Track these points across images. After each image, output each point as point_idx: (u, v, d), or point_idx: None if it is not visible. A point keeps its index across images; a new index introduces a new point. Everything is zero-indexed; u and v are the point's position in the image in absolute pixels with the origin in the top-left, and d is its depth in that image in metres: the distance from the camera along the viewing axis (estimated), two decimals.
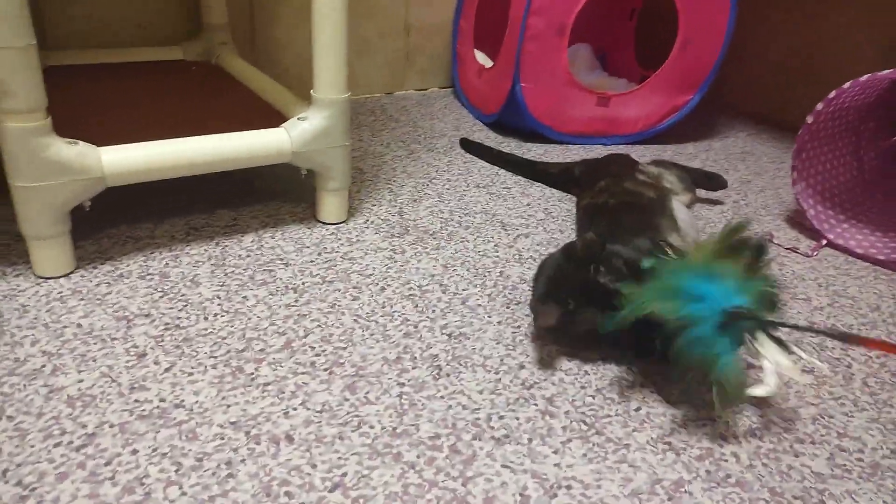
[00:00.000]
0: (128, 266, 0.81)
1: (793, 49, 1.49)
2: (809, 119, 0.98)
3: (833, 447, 0.63)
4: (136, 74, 1.11)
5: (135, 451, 0.56)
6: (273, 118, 0.92)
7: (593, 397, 0.67)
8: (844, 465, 0.62)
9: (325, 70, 0.85)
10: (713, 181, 1.12)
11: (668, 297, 0.62)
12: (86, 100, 0.97)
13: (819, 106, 0.97)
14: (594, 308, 0.68)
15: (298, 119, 0.87)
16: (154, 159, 0.78)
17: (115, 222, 0.90)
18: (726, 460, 0.61)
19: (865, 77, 0.94)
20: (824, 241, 1.01)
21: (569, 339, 0.74)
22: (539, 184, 1.14)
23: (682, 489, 0.57)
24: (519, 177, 1.16)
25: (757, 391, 0.61)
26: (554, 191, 1.12)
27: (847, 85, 0.95)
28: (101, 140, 0.77)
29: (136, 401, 0.61)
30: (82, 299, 0.74)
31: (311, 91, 0.86)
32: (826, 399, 0.70)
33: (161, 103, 0.98)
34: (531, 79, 1.24)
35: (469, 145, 1.26)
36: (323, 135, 0.87)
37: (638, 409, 0.66)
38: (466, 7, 1.47)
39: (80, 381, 0.63)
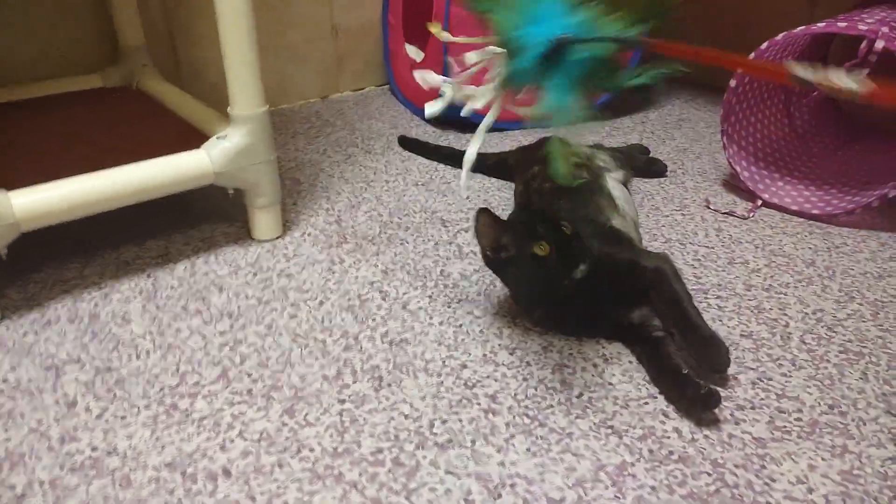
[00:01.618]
0: (56, 311, 0.78)
1: (722, 10, 1.50)
2: (732, 82, 0.99)
3: (773, 410, 0.64)
4: (52, 108, 1.07)
5: None
6: (195, 140, 0.89)
7: (535, 389, 0.67)
8: (784, 426, 0.63)
9: (240, 85, 0.83)
10: (656, 166, 1.13)
11: (508, 14, 0.58)
12: None
13: (739, 70, 0.97)
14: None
15: (217, 138, 0.84)
16: (69, 198, 0.75)
17: (42, 264, 0.87)
18: (668, 437, 0.61)
19: (781, 36, 0.94)
20: (759, 202, 1.02)
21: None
22: (479, 175, 1.13)
23: (626, 472, 0.58)
24: (459, 170, 1.15)
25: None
26: (493, 181, 1.11)
27: (764, 45, 0.95)
28: (11, 183, 0.74)
29: (67, 453, 0.59)
30: (9, 352, 0.72)
31: (228, 109, 0.84)
32: (764, 362, 0.71)
33: (77, 136, 0.94)
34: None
35: (407, 143, 1.24)
36: (245, 152, 0.85)
37: (580, 396, 0.66)
38: (392, 3, 1.45)
39: (8, 439, 0.61)
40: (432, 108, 0.68)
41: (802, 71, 0.46)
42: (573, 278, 0.67)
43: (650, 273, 0.72)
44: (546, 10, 0.57)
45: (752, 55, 0.96)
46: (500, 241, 0.71)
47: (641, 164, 1.13)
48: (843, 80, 0.43)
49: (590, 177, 0.90)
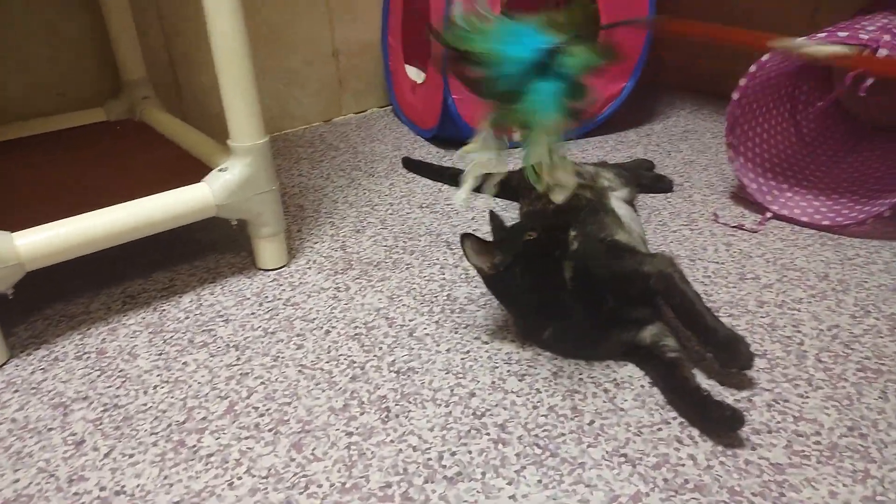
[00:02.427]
0: (63, 348, 0.78)
1: (722, 19, 1.49)
2: (735, 95, 0.98)
3: (790, 433, 0.63)
4: (55, 144, 1.08)
5: None
6: (197, 171, 0.89)
7: (546, 416, 0.65)
8: (802, 451, 0.61)
9: (238, 117, 0.83)
10: (662, 183, 1.12)
11: (486, 38, 0.61)
12: None
13: (742, 81, 0.96)
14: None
15: (219, 171, 0.85)
16: (72, 237, 0.75)
17: (49, 300, 0.87)
18: (683, 465, 0.60)
19: None
20: (769, 214, 1.00)
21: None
22: (485, 196, 1.13)
23: (640, 502, 0.56)
24: None
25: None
26: (498, 201, 1.11)
27: (765, 57, 0.94)
28: (14, 224, 0.74)
29: (76, 493, 0.59)
30: (17, 391, 0.72)
31: (228, 140, 0.84)
32: (780, 382, 0.69)
33: (80, 172, 0.95)
34: (461, 90, 1.23)
35: (411, 164, 1.24)
36: (246, 183, 0.85)
37: (591, 423, 0.64)
38: (392, 24, 1.45)
39: (16, 480, 0.60)
40: (459, 195, 0.71)
41: (780, 42, 0.51)
42: (565, 251, 0.70)
43: (655, 280, 0.70)
44: (522, 33, 0.60)
45: (753, 67, 0.95)
46: (493, 258, 0.72)
47: (647, 180, 1.12)
48: (824, 48, 0.46)
49: (594, 196, 0.89)
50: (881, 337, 0.75)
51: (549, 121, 0.60)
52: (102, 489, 0.59)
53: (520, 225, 0.80)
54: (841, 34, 0.90)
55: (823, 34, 0.92)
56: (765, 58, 0.94)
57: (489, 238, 0.81)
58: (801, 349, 0.74)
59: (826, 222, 0.97)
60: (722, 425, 0.62)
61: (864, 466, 0.59)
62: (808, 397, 0.67)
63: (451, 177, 1.18)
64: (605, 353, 0.73)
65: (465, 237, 0.72)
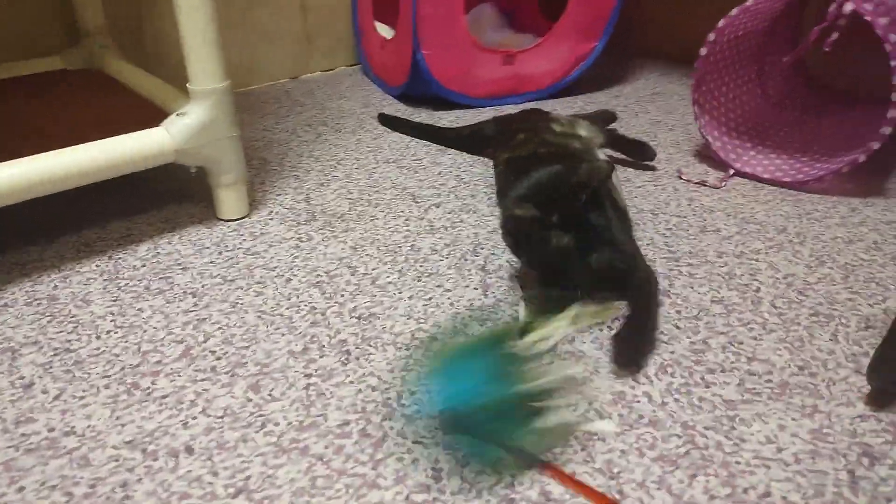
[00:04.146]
0: (13, 294, 0.76)
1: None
2: (703, 51, 0.98)
3: (743, 373, 0.64)
4: (9, 91, 1.03)
5: (21, 489, 0.52)
6: (157, 119, 0.87)
7: None
8: (754, 388, 0.62)
9: (198, 59, 0.80)
10: (644, 152, 1.07)
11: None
12: None
13: (711, 36, 0.97)
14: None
15: (178, 115, 0.82)
16: (25, 177, 0.73)
17: (0, 248, 0.84)
18: (638, 401, 0.61)
19: (752, 1, 0.94)
20: (731, 171, 1.02)
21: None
22: (452, 151, 1.12)
23: (595, 437, 0.57)
24: (430, 147, 1.13)
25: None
26: (466, 156, 1.10)
27: (735, 11, 0.94)
28: None
29: (23, 434, 0.57)
30: None
31: (187, 84, 0.82)
32: (735, 326, 0.70)
33: (36, 119, 0.91)
34: (432, 45, 1.21)
35: (387, 120, 1.22)
36: (206, 128, 0.82)
37: (550, 363, 0.65)
38: None
39: None
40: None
41: None
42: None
43: (645, 274, 0.73)
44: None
45: (723, 21, 0.95)
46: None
47: (629, 145, 1.07)
48: None
49: (581, 146, 0.89)
50: (834, 284, 0.77)
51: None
52: (51, 430, 0.58)
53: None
54: None
55: None
56: (735, 11, 0.94)
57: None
58: (757, 295, 0.75)
59: (787, 179, 0.98)
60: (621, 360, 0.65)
61: (812, 402, 0.61)
62: (761, 339, 0.68)
63: (427, 132, 1.17)
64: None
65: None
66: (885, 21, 0.85)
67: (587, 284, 0.71)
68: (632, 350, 0.66)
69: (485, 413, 0.53)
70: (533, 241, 0.70)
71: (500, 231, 0.76)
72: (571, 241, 0.69)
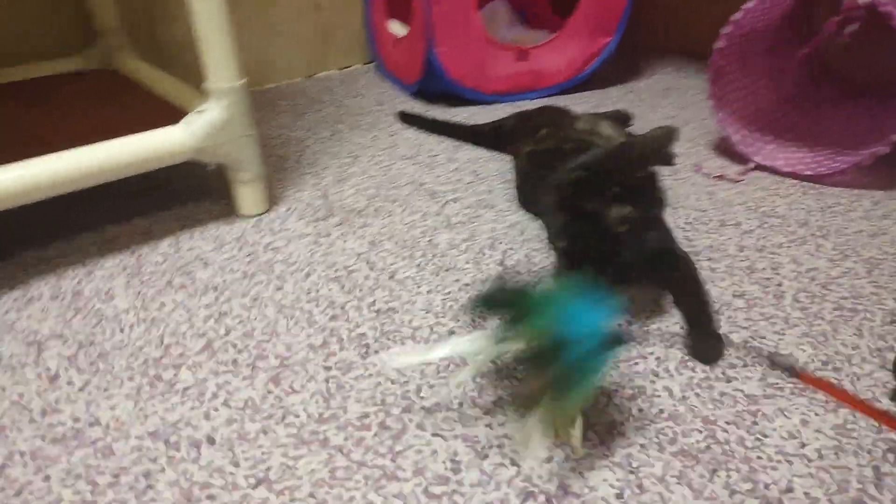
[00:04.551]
0: (38, 289, 0.77)
1: None
2: (719, 44, 0.97)
3: (765, 367, 0.63)
4: (27, 92, 1.05)
5: (47, 478, 0.53)
6: (174, 117, 0.87)
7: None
8: (776, 383, 0.62)
9: (215, 58, 0.81)
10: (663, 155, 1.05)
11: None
12: None
13: (726, 29, 0.96)
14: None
15: (195, 113, 0.83)
16: (46, 176, 0.74)
17: (25, 245, 0.85)
18: (658, 396, 0.60)
19: None
20: (751, 165, 1.00)
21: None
22: (468, 147, 1.12)
23: (615, 430, 0.57)
24: (446, 143, 1.13)
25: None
26: (481, 152, 1.10)
27: (751, 4, 0.93)
28: None
29: (49, 425, 0.58)
30: None
31: (204, 82, 0.82)
32: (757, 320, 0.70)
33: (54, 118, 0.92)
34: (445, 42, 1.21)
35: (407, 118, 1.22)
36: (224, 126, 0.83)
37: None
38: None
39: None
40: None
41: None
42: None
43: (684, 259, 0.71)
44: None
45: (739, 14, 0.94)
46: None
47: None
48: None
49: (604, 144, 0.89)
50: (858, 279, 0.76)
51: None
52: (76, 420, 0.59)
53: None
54: None
55: None
56: (749, 4, 0.93)
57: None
58: (780, 290, 0.74)
59: (808, 172, 0.97)
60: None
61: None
62: (784, 334, 0.68)
63: (447, 128, 1.17)
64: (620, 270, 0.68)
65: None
66: None
67: (636, 269, 0.66)
68: (711, 340, 0.66)
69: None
70: (587, 213, 0.65)
71: (545, 209, 0.73)
72: (634, 213, 0.63)
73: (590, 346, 0.50)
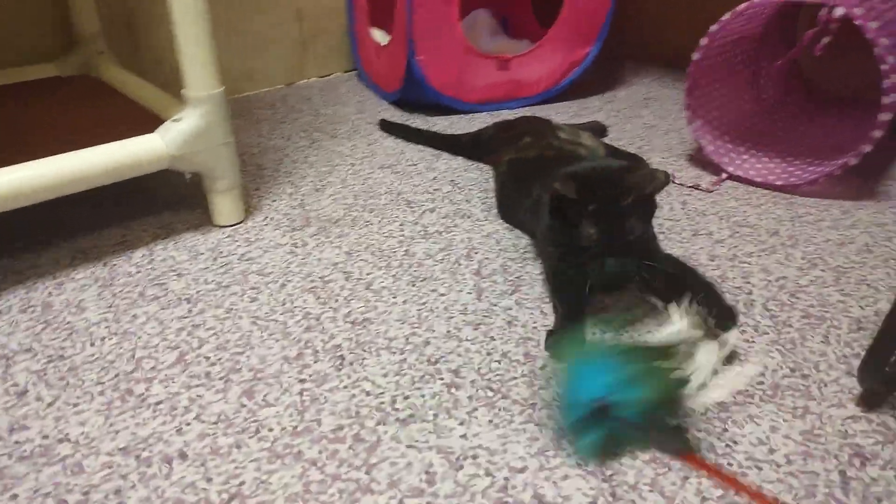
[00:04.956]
0: (7, 301, 0.76)
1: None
2: (696, 55, 0.99)
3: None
4: (3, 98, 1.04)
5: (14, 497, 0.52)
6: (152, 125, 0.87)
7: (499, 362, 0.66)
8: (746, 390, 0.63)
9: (193, 65, 0.81)
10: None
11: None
12: None
13: (703, 41, 0.97)
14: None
15: (173, 121, 0.82)
16: (18, 184, 0.73)
17: None
18: None
19: (743, 5, 0.94)
20: (724, 175, 1.02)
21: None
22: (447, 156, 1.12)
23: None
24: (425, 152, 1.14)
25: None
26: (460, 161, 1.10)
27: (727, 16, 0.95)
28: None
29: (16, 442, 0.57)
30: None
31: (182, 90, 0.82)
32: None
33: (31, 125, 0.91)
34: (426, 51, 1.21)
35: (388, 126, 1.22)
36: (201, 134, 0.82)
37: (543, 367, 0.65)
38: None
39: None
40: None
41: None
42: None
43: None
44: (595, 370, 0.57)
45: (716, 26, 0.96)
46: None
47: (622, 157, 1.10)
48: None
49: (587, 153, 0.90)
50: (826, 287, 0.77)
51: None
52: (45, 437, 0.58)
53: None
54: None
55: None
56: (726, 17, 0.95)
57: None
58: (750, 298, 0.75)
59: (779, 182, 0.99)
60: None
61: (804, 403, 0.61)
62: (753, 342, 0.69)
63: (428, 138, 1.17)
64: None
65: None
66: (875, 25, 0.86)
67: (595, 282, 0.69)
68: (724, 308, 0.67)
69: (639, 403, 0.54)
70: (562, 221, 0.69)
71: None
72: (595, 237, 0.66)
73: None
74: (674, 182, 1.02)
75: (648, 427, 0.56)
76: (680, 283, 0.70)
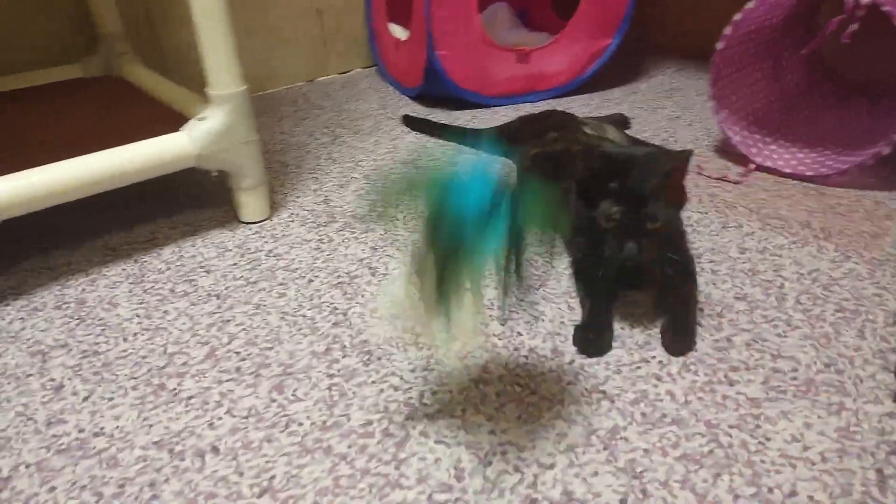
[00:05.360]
0: (42, 298, 0.77)
1: None
2: (720, 45, 0.97)
3: (768, 370, 0.63)
4: (30, 99, 1.05)
5: (52, 489, 0.54)
6: (177, 124, 0.88)
7: (526, 357, 0.66)
8: (779, 386, 0.62)
9: (216, 64, 0.81)
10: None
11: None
12: None
13: (727, 30, 0.95)
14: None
15: (198, 120, 0.83)
16: (48, 184, 0.74)
17: (29, 253, 0.86)
18: (661, 400, 0.60)
19: None
20: (752, 166, 1.00)
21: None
22: (470, 152, 1.12)
23: (618, 436, 0.57)
24: (447, 147, 1.14)
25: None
26: (483, 157, 1.10)
27: (751, 4, 0.93)
28: None
29: (54, 435, 0.59)
30: None
31: (206, 89, 0.83)
32: (759, 323, 0.69)
33: (57, 126, 0.93)
34: (446, 46, 1.21)
35: (412, 122, 1.22)
36: (226, 132, 0.83)
37: (571, 363, 0.65)
38: None
39: None
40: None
41: None
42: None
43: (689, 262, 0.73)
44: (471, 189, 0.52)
45: (739, 15, 0.94)
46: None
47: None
48: None
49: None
50: (860, 280, 0.76)
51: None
52: (81, 431, 0.59)
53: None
54: None
55: None
56: (750, 5, 0.93)
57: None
58: (782, 292, 0.74)
59: (809, 173, 0.97)
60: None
61: (839, 400, 0.60)
62: (786, 336, 0.68)
63: (452, 133, 1.17)
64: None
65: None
66: None
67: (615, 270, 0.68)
68: (681, 335, 0.67)
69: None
70: (587, 205, 0.67)
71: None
72: (616, 215, 0.65)
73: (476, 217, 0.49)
74: (701, 174, 1.01)
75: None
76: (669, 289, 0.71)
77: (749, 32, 1.02)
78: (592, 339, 0.67)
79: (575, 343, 0.67)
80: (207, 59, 0.81)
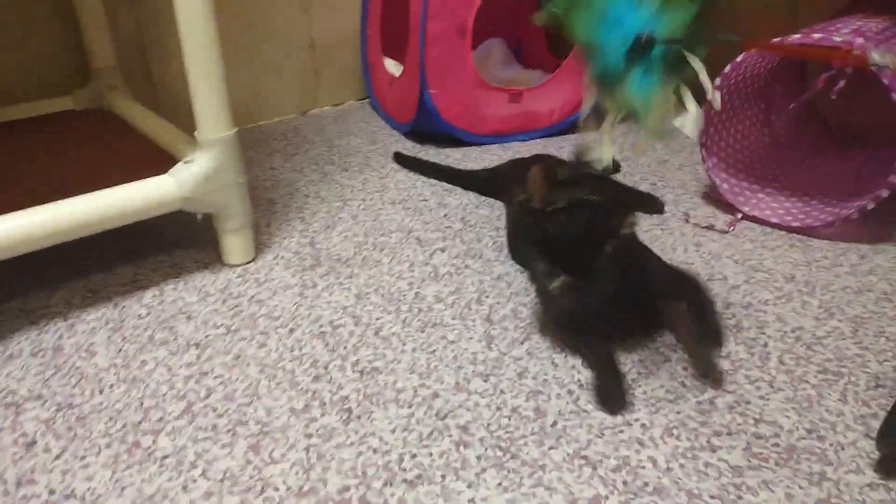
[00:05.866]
0: (18, 344, 0.76)
1: None
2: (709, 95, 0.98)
3: (750, 436, 0.63)
4: (18, 132, 1.05)
5: None
6: (164, 163, 0.87)
7: (508, 418, 0.65)
8: (761, 453, 0.61)
9: (206, 108, 0.81)
10: (652, 205, 1.07)
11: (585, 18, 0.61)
12: None
13: (717, 81, 0.96)
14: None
15: (185, 163, 0.83)
16: (31, 230, 0.73)
17: (7, 296, 0.85)
18: (643, 467, 0.60)
19: (757, 49, 0.93)
20: (739, 215, 1.01)
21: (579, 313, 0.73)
22: (459, 192, 1.12)
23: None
24: (437, 187, 1.14)
25: (679, 120, 0.63)
26: (472, 197, 1.10)
27: (740, 58, 0.94)
28: None
29: (23, 497, 0.57)
30: None
31: (195, 133, 0.82)
32: (742, 384, 0.69)
33: (44, 162, 0.92)
34: (439, 84, 1.21)
35: (403, 160, 1.22)
36: (213, 176, 0.83)
37: (554, 424, 0.64)
38: (371, 15, 1.43)
39: None
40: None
41: (879, 57, 0.52)
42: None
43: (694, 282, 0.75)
44: (621, 8, 0.60)
45: (728, 68, 0.95)
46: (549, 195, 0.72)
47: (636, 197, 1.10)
48: None
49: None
50: (843, 339, 0.76)
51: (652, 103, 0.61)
52: (52, 492, 0.58)
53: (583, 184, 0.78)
54: (816, 35, 0.90)
55: (798, 35, 0.92)
56: (739, 58, 0.94)
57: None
58: (765, 351, 0.74)
59: (796, 224, 0.97)
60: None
61: (820, 469, 0.60)
62: (768, 399, 0.67)
63: (442, 173, 1.17)
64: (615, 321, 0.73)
65: (537, 167, 0.71)
66: (891, 71, 0.85)
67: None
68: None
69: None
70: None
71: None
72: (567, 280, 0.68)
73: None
74: (688, 222, 1.01)
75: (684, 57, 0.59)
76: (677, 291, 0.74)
77: (739, 81, 1.03)
78: (613, 398, 0.67)
79: (599, 406, 0.67)
80: (197, 105, 0.81)
